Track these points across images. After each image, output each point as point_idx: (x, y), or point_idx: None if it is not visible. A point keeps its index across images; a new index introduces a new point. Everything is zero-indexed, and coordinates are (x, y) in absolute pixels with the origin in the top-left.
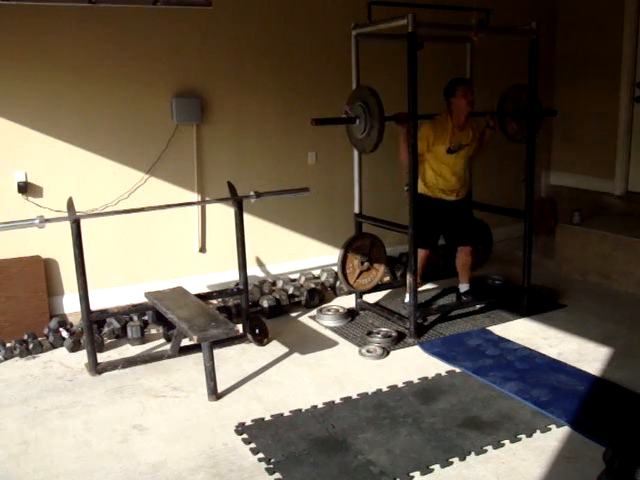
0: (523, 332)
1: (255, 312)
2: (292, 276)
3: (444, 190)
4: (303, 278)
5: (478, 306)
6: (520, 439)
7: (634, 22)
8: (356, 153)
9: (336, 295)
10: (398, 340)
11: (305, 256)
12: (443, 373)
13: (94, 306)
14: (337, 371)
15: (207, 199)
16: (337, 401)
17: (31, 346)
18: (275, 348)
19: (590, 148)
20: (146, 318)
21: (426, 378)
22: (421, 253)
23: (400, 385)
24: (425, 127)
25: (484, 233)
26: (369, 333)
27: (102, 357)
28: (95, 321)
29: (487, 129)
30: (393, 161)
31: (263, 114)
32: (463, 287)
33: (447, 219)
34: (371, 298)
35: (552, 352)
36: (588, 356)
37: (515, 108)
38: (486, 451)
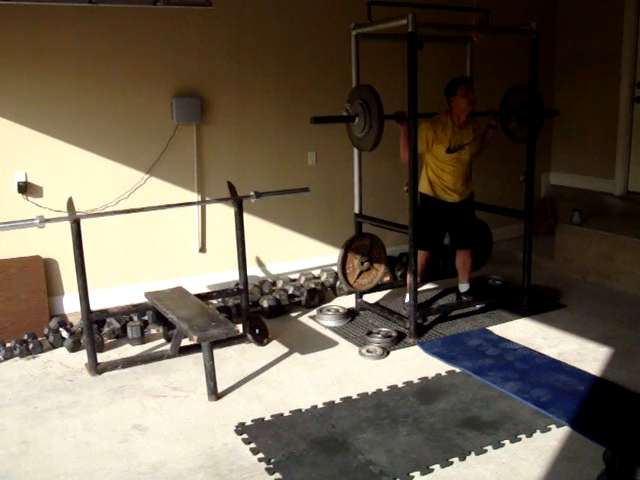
0: (523, 332)
1: (255, 312)
2: (292, 276)
3: (446, 189)
4: (303, 278)
5: (478, 306)
6: (520, 439)
7: (634, 22)
8: (356, 153)
9: (336, 295)
10: (398, 340)
11: (305, 256)
12: (443, 373)
13: (94, 306)
14: (337, 371)
15: (207, 199)
16: (337, 401)
17: (31, 346)
18: (275, 348)
19: (590, 148)
20: (146, 318)
21: (426, 378)
22: (421, 255)
23: (400, 385)
24: (424, 127)
25: (484, 235)
26: (369, 333)
27: (102, 357)
28: (95, 321)
29: (489, 128)
30: (393, 161)
31: (263, 114)
32: (463, 287)
33: (449, 220)
34: (371, 298)
35: (552, 352)
36: (588, 356)
37: (518, 107)
38: (486, 451)
